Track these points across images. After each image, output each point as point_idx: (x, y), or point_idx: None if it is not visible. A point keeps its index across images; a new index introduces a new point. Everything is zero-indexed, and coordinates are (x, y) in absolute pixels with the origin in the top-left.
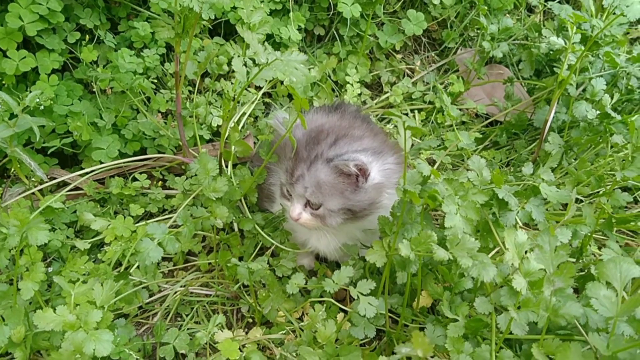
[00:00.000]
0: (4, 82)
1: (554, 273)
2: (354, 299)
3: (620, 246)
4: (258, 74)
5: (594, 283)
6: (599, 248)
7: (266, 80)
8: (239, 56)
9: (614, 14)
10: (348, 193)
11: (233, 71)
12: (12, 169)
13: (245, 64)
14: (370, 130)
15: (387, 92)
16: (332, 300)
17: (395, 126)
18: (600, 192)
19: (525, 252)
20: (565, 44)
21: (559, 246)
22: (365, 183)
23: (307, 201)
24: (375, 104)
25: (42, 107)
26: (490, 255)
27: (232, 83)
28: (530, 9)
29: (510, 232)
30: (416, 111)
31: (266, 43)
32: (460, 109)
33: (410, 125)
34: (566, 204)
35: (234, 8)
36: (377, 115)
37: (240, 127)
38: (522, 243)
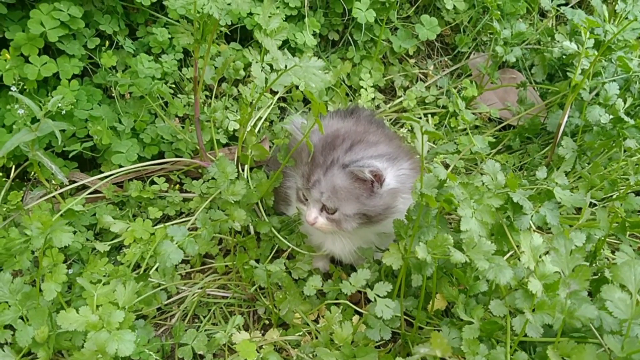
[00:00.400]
0: (25, 87)
1: (570, 275)
2: (368, 302)
3: (634, 250)
4: (277, 79)
5: (608, 286)
6: (612, 252)
7: (283, 86)
8: (257, 62)
9: (627, 18)
10: (363, 198)
11: (249, 76)
12: (33, 172)
13: (263, 69)
14: (385, 135)
15: (401, 96)
16: (348, 303)
17: (410, 130)
18: (614, 196)
19: (541, 256)
20: (579, 48)
21: (574, 249)
22: (381, 188)
23: (323, 206)
24: (389, 108)
25: (63, 112)
26: (505, 257)
27: (249, 88)
28: (543, 14)
29: (526, 235)
30: (429, 115)
31: (285, 49)
32: (473, 113)
33: (427, 129)
34: (580, 208)
35: (250, 14)
36: (390, 119)
37: (256, 131)
38: (537, 246)
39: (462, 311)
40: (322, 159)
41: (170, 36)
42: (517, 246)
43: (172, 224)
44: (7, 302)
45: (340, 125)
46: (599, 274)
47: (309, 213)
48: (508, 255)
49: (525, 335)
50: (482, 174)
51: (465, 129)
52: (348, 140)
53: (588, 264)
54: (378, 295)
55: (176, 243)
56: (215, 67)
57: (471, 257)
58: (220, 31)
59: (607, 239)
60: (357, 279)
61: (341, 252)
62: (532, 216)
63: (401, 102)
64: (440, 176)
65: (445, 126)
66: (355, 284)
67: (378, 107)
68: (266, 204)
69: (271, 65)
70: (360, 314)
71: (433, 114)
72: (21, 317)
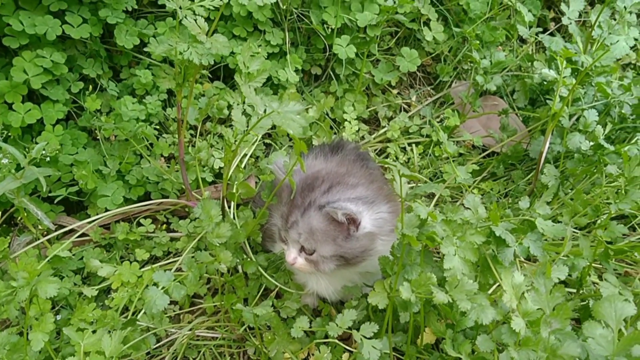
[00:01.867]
0: (10, 134)
1: (551, 314)
2: None
3: (620, 274)
4: (256, 124)
5: (590, 322)
6: (599, 276)
7: (265, 128)
8: (238, 104)
9: (605, 44)
10: (340, 240)
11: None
12: (20, 218)
13: (244, 112)
14: (367, 177)
15: (385, 126)
16: (337, 341)
17: (396, 159)
18: (597, 223)
19: (523, 293)
20: (557, 75)
21: (554, 287)
22: (357, 232)
23: (302, 246)
24: (374, 138)
25: (47, 158)
26: (491, 290)
27: (232, 128)
28: (523, 39)
29: (507, 273)
30: (414, 145)
31: (263, 95)
32: (457, 142)
33: (405, 172)
34: None
35: (233, 53)
36: (375, 149)
37: (242, 168)
38: (519, 284)
39: (450, 347)
40: (301, 200)
41: (153, 78)
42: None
43: (159, 266)
44: None
45: (323, 165)
46: (587, 301)
47: (288, 253)
48: (495, 286)
49: None
50: (465, 207)
51: (448, 158)
52: (327, 182)
53: (573, 291)
54: (364, 337)
55: (162, 288)
56: (199, 108)
57: (454, 297)
58: (203, 70)
59: (595, 264)
60: (343, 320)
61: (325, 291)
62: (515, 249)
63: (385, 132)
64: (422, 215)
65: (430, 155)
66: (342, 325)
67: (363, 138)
68: (253, 240)
69: (253, 106)
70: (350, 351)
71: (417, 143)
72: None
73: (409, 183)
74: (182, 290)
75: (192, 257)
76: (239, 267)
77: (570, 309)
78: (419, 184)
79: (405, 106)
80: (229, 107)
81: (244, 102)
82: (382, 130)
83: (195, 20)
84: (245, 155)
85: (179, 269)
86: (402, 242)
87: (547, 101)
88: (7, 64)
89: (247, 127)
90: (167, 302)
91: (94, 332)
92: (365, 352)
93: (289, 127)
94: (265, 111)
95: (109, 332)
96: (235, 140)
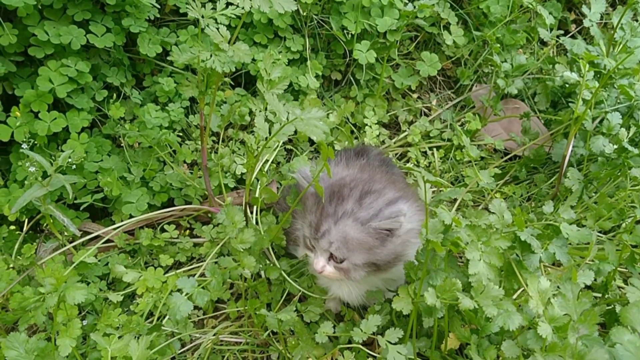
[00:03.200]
0: (36, 142)
1: (578, 320)
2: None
3: None
4: (279, 131)
5: (617, 328)
6: (625, 281)
7: (287, 135)
8: (260, 111)
9: (628, 47)
10: (375, 248)
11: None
12: (46, 224)
13: (266, 118)
14: (389, 179)
15: (405, 130)
16: (361, 347)
17: (416, 164)
18: (622, 227)
19: (549, 299)
20: (580, 77)
21: (581, 293)
22: (394, 236)
23: (331, 254)
24: (394, 143)
25: (73, 166)
26: (515, 295)
27: (254, 135)
28: (544, 42)
29: (533, 279)
30: (435, 149)
31: (284, 101)
32: (478, 145)
33: (429, 178)
34: None
35: (254, 60)
36: (396, 154)
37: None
38: (545, 289)
39: (475, 352)
40: (332, 209)
41: (176, 86)
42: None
43: (183, 271)
44: None
45: (345, 172)
46: (613, 306)
47: (317, 262)
48: (519, 291)
49: None
50: (488, 211)
51: (470, 162)
52: (356, 190)
53: (599, 295)
54: (389, 342)
55: (186, 294)
56: (222, 115)
57: (480, 303)
58: (225, 79)
59: (620, 268)
60: (368, 326)
61: (348, 297)
62: (540, 255)
63: (406, 136)
64: (446, 221)
65: (451, 159)
66: (366, 330)
67: (383, 142)
68: (276, 245)
69: (275, 113)
70: (374, 356)
71: (438, 147)
72: None
73: (431, 188)
74: (205, 296)
75: (215, 262)
76: (262, 273)
77: (597, 315)
78: (441, 190)
79: (426, 110)
80: (251, 113)
81: (265, 109)
82: (402, 135)
83: (217, 28)
84: (267, 161)
85: (202, 275)
86: (426, 248)
87: (570, 104)
88: (33, 74)
89: (270, 133)
90: (190, 308)
91: (120, 337)
92: (391, 358)
93: (312, 134)
94: (287, 118)
95: (136, 337)
96: (258, 147)
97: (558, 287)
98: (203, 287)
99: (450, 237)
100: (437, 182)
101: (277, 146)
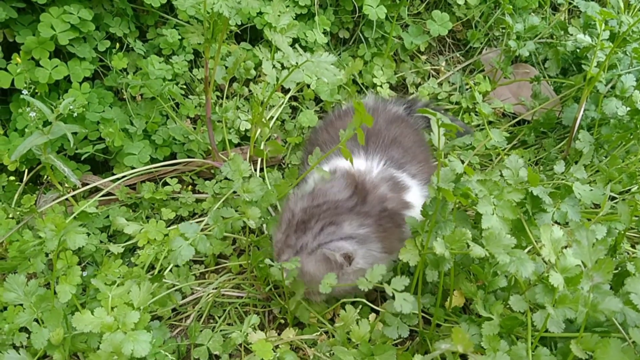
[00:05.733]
0: (37, 90)
1: (593, 268)
2: (384, 300)
3: None
4: (289, 75)
5: (632, 278)
6: (632, 246)
7: (295, 83)
8: (267, 60)
9: None
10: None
11: (260, 75)
12: (46, 175)
13: (273, 67)
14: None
15: (413, 93)
16: (364, 301)
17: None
18: (633, 189)
19: (562, 249)
20: (593, 41)
21: (596, 241)
22: (349, 267)
23: None
24: None
25: (75, 115)
26: (525, 251)
27: (260, 87)
28: (555, 7)
29: (546, 228)
30: (443, 111)
31: (296, 45)
32: None
33: (444, 122)
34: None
35: (260, 13)
36: None
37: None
38: (558, 239)
39: (482, 307)
40: (293, 239)
41: (180, 37)
42: (536, 241)
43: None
44: (21, 305)
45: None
46: (620, 268)
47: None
48: (526, 250)
49: (547, 331)
50: (499, 171)
51: (479, 125)
52: (320, 223)
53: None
54: (396, 290)
55: (188, 240)
56: (226, 67)
57: (491, 251)
58: (230, 31)
59: (626, 233)
60: (373, 275)
61: None
62: (553, 213)
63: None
64: (457, 170)
65: None
66: (371, 279)
67: None
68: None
69: (282, 64)
70: (377, 312)
71: (446, 110)
72: (36, 320)
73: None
74: (207, 243)
75: (219, 212)
76: (264, 229)
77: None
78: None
79: (434, 73)
80: (257, 67)
81: (273, 59)
82: (410, 97)
83: None
84: (271, 117)
85: (204, 229)
86: (436, 198)
87: (583, 66)
88: (34, 21)
89: (277, 81)
90: (192, 254)
91: (121, 285)
92: (398, 306)
93: (324, 76)
94: (297, 63)
95: (138, 285)
96: (264, 98)
97: (574, 236)
98: (205, 235)
99: (460, 187)
100: (452, 126)
101: (283, 102)
